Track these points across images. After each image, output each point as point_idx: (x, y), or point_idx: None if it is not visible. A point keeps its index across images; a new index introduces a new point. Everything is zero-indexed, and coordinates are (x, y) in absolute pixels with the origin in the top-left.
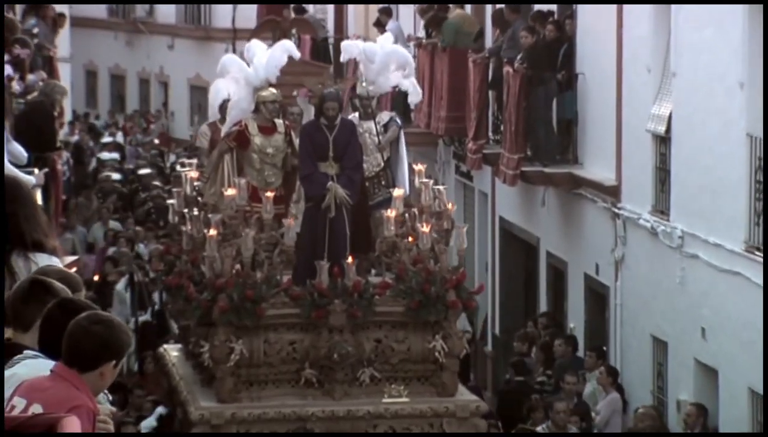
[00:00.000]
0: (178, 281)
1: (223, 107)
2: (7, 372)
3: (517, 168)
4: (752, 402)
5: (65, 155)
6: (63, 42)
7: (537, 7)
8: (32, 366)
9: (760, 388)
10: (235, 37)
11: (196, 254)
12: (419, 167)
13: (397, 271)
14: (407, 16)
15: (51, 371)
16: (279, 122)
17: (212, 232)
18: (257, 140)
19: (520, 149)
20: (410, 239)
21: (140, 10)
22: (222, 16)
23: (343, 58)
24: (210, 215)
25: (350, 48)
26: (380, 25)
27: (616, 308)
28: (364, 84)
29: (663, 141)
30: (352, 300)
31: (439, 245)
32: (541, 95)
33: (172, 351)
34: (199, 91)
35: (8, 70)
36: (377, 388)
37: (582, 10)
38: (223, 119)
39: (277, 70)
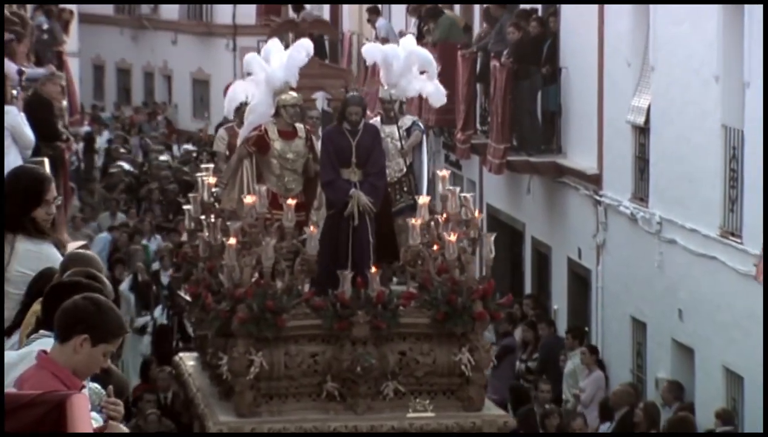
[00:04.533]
0: (196, 289)
1: (240, 111)
2: (28, 348)
3: (504, 157)
4: (726, 380)
5: (74, 145)
6: (71, 37)
7: (522, 6)
8: (43, 344)
9: (733, 366)
10: (235, 33)
11: (213, 262)
12: (443, 173)
13: (422, 281)
14: (399, 13)
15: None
16: (300, 126)
17: (231, 240)
18: (277, 145)
19: (506, 140)
20: (435, 247)
21: (145, 6)
22: (223, 12)
23: (368, 62)
24: (229, 223)
25: (372, 51)
26: (372, 23)
27: (598, 291)
28: (386, 87)
29: (642, 132)
30: (376, 311)
31: (465, 254)
32: (526, 88)
33: (188, 360)
34: (201, 85)
35: (7, 63)
36: (401, 402)
37: (565, 7)
38: (240, 123)
39: (297, 71)
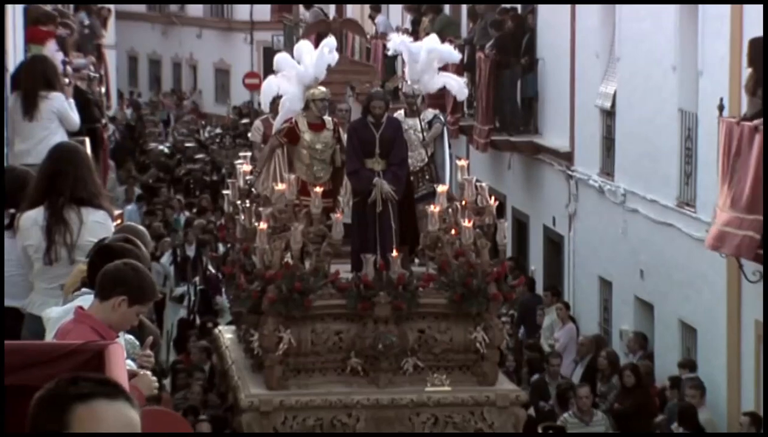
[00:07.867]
0: (231, 269)
1: (275, 103)
2: (69, 306)
3: (488, 137)
4: (682, 332)
5: (111, 127)
6: (109, 32)
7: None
8: (86, 300)
9: (688, 320)
10: (252, 28)
11: (248, 245)
12: (462, 162)
13: (440, 264)
14: (396, 10)
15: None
16: (328, 118)
17: (263, 225)
18: (306, 136)
19: (490, 122)
20: (453, 232)
21: (174, 5)
22: (242, 10)
23: (390, 53)
24: (261, 209)
25: (397, 46)
26: (373, 19)
27: (570, 254)
28: (408, 82)
29: (609, 115)
30: (397, 293)
31: (480, 239)
32: (507, 77)
33: (226, 333)
34: (222, 73)
35: (56, 51)
36: (420, 377)
37: (542, 5)
38: (275, 115)
39: (326, 67)
